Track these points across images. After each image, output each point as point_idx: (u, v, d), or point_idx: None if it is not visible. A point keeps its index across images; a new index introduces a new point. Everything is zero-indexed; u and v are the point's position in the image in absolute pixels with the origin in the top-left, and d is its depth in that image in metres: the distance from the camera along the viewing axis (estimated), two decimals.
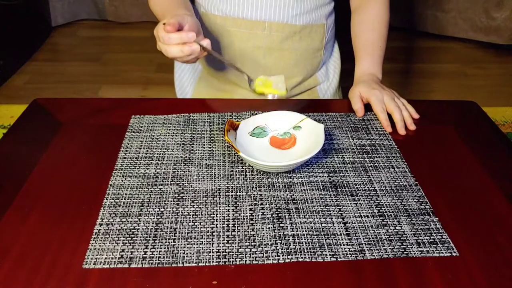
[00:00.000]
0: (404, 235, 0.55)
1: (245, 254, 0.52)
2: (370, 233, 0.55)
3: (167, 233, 0.54)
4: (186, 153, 0.68)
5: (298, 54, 0.93)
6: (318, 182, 0.63)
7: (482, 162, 0.68)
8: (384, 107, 0.76)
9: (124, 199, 0.59)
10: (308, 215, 0.57)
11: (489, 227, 0.56)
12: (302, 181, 0.63)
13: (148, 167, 0.65)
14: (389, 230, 0.55)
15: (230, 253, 0.52)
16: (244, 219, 0.56)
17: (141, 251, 0.52)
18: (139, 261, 0.51)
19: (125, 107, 0.80)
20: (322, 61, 0.98)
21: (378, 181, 0.63)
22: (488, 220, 0.57)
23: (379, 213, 0.58)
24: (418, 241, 0.54)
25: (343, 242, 0.53)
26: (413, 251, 0.53)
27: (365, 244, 0.53)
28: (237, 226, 0.55)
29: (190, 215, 0.57)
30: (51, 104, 0.81)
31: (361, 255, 0.52)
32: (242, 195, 0.60)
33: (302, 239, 0.54)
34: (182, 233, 0.54)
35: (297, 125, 0.70)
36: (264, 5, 0.87)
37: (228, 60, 0.72)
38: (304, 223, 0.56)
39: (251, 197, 0.60)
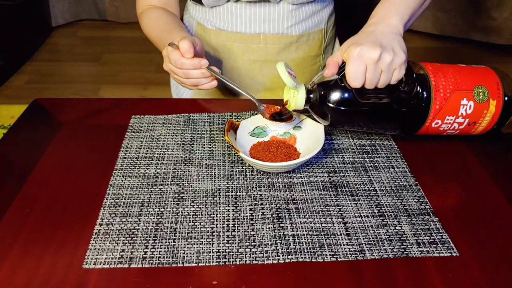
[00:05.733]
0: (404, 235, 0.55)
1: (245, 254, 0.52)
2: (370, 233, 0.55)
3: (167, 233, 0.54)
4: (186, 153, 0.68)
5: (296, 64, 0.91)
6: (318, 182, 0.63)
7: (482, 162, 0.68)
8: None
9: (124, 199, 0.59)
10: (308, 215, 0.57)
11: (489, 227, 0.56)
12: (302, 181, 0.63)
13: (148, 167, 0.65)
14: (389, 230, 0.55)
15: (230, 253, 0.52)
16: (244, 219, 0.56)
17: (141, 251, 0.52)
18: (139, 261, 0.51)
19: (125, 107, 0.80)
20: (322, 66, 0.97)
21: (378, 181, 0.63)
22: (488, 220, 0.57)
23: (379, 213, 0.58)
24: (418, 241, 0.54)
25: (343, 242, 0.53)
26: (413, 251, 0.53)
27: (365, 244, 0.53)
28: (237, 226, 0.55)
29: (190, 215, 0.57)
30: (51, 104, 0.81)
31: (361, 255, 0.52)
32: (242, 195, 0.60)
33: (302, 239, 0.54)
34: (182, 233, 0.54)
35: (297, 125, 0.70)
36: (258, 19, 0.85)
37: (237, 85, 0.71)
38: (304, 223, 0.56)
39: (251, 197, 0.60)
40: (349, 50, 0.59)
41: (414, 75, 0.63)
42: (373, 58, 0.57)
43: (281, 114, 0.68)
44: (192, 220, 0.56)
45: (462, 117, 0.64)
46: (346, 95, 0.61)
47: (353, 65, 0.57)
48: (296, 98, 0.63)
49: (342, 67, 0.61)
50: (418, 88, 0.62)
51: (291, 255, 0.51)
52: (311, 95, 0.63)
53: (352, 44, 0.59)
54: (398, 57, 0.58)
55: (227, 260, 0.51)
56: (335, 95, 0.62)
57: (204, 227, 0.55)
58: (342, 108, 0.62)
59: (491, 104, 0.64)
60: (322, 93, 0.63)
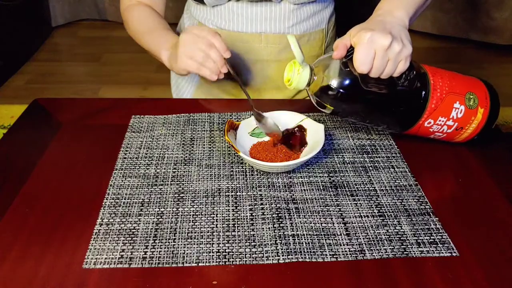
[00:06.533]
0: (404, 235, 0.55)
1: (245, 254, 0.52)
2: (370, 233, 0.55)
3: (167, 233, 0.54)
4: (186, 153, 0.68)
5: None
6: (318, 182, 0.63)
7: (482, 162, 0.68)
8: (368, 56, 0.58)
9: (124, 199, 0.59)
10: (308, 215, 0.57)
11: (489, 227, 0.56)
12: (302, 181, 0.63)
13: (148, 167, 0.65)
14: (389, 230, 0.55)
15: (230, 253, 0.52)
16: (244, 219, 0.56)
17: (141, 251, 0.52)
18: (139, 261, 0.51)
19: (125, 107, 0.80)
20: None
21: (378, 181, 0.63)
22: (488, 220, 0.57)
23: (379, 213, 0.58)
24: (418, 241, 0.54)
25: (343, 242, 0.53)
26: (413, 251, 0.52)
27: (365, 244, 0.53)
28: (237, 226, 0.55)
29: (190, 215, 0.57)
30: (51, 104, 0.81)
31: (361, 255, 0.52)
32: (242, 195, 0.60)
33: (302, 239, 0.54)
34: (182, 233, 0.54)
35: (297, 125, 0.70)
36: (259, 18, 0.85)
37: (240, 81, 0.71)
38: (304, 223, 0.56)
39: (251, 197, 0.60)
40: (359, 34, 0.58)
41: (415, 71, 0.63)
42: (384, 45, 0.57)
43: (293, 140, 0.68)
44: (192, 220, 0.56)
45: (453, 120, 0.64)
46: (349, 80, 0.61)
47: (363, 49, 0.57)
48: (300, 75, 0.62)
49: (349, 52, 0.61)
50: (418, 84, 0.62)
51: (291, 255, 0.51)
52: (314, 77, 0.63)
53: (362, 29, 0.59)
54: (406, 48, 0.58)
55: (227, 260, 0.51)
56: (339, 79, 0.61)
57: (204, 227, 0.55)
58: (344, 92, 0.61)
59: (479, 111, 0.65)
60: (326, 75, 0.62)
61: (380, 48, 0.57)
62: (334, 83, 0.61)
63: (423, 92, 0.62)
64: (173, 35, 0.82)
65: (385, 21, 0.62)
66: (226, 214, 0.57)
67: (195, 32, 0.73)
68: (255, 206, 0.58)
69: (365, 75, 0.59)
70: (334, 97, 0.62)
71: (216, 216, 0.57)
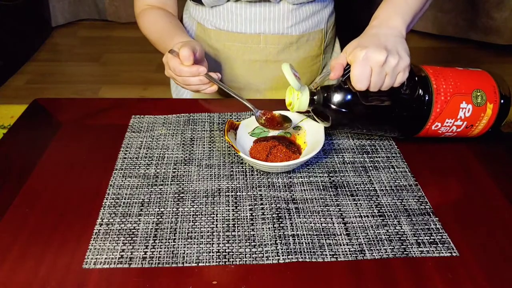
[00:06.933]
0: (404, 235, 0.55)
1: (245, 254, 0.52)
2: (370, 233, 0.55)
3: (167, 233, 0.54)
4: (186, 153, 0.68)
5: (296, 64, 0.91)
6: (318, 182, 0.63)
7: (482, 162, 0.68)
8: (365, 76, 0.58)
9: (124, 199, 0.59)
10: (308, 215, 0.57)
11: (489, 227, 0.56)
12: (302, 181, 0.63)
13: (148, 167, 0.65)
14: (389, 230, 0.55)
15: (230, 253, 0.52)
16: (244, 219, 0.56)
17: (141, 251, 0.52)
18: (139, 261, 0.51)
19: (125, 107, 0.80)
20: (322, 66, 0.97)
21: (378, 181, 0.63)
22: (488, 220, 0.57)
23: (379, 213, 0.58)
24: (418, 241, 0.54)
25: (343, 242, 0.53)
26: (413, 251, 0.53)
27: (365, 244, 0.53)
28: (237, 226, 0.55)
29: (190, 215, 0.57)
30: (51, 104, 0.81)
31: (361, 255, 0.52)
32: (242, 195, 0.60)
33: (302, 239, 0.54)
34: (182, 233, 0.54)
35: (297, 125, 0.70)
36: (258, 19, 0.85)
37: (234, 91, 0.71)
38: (304, 223, 0.56)
39: (251, 197, 0.60)
40: (354, 52, 0.58)
41: (416, 78, 0.63)
42: (379, 61, 0.57)
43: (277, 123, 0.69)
44: (192, 220, 0.56)
45: (461, 120, 0.64)
46: (349, 97, 0.61)
47: (358, 67, 0.57)
48: (300, 100, 0.63)
49: (346, 70, 0.61)
50: (420, 91, 0.62)
51: (291, 255, 0.51)
52: (315, 97, 0.63)
53: (357, 47, 0.59)
54: (403, 60, 0.58)
55: (227, 260, 0.51)
56: (339, 97, 0.62)
57: (204, 227, 0.55)
58: (345, 110, 0.62)
59: (488, 107, 0.64)
60: (325, 95, 0.62)
61: (375, 65, 0.57)
62: (334, 102, 0.62)
63: (426, 98, 0.62)
64: (183, 38, 0.81)
65: (380, 34, 0.62)
66: (226, 214, 0.57)
67: (164, 62, 0.77)
68: (255, 206, 0.58)
69: (365, 91, 0.60)
70: (336, 115, 0.63)
71: (216, 216, 0.57)
